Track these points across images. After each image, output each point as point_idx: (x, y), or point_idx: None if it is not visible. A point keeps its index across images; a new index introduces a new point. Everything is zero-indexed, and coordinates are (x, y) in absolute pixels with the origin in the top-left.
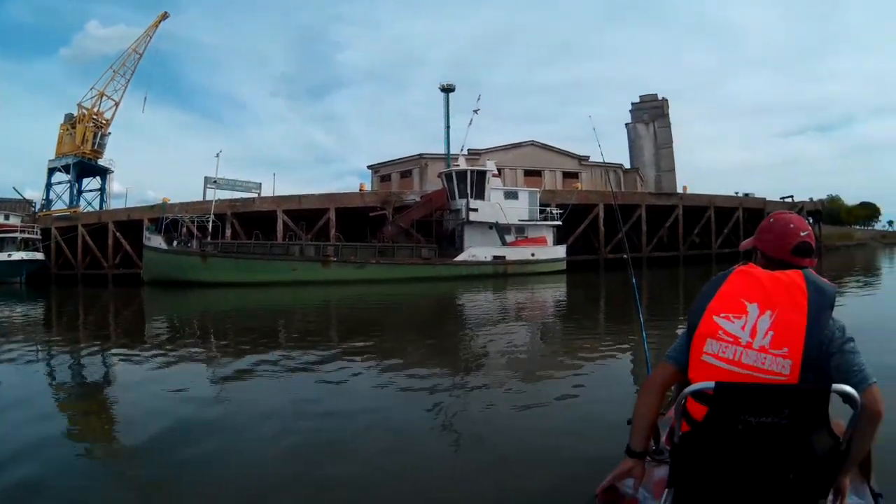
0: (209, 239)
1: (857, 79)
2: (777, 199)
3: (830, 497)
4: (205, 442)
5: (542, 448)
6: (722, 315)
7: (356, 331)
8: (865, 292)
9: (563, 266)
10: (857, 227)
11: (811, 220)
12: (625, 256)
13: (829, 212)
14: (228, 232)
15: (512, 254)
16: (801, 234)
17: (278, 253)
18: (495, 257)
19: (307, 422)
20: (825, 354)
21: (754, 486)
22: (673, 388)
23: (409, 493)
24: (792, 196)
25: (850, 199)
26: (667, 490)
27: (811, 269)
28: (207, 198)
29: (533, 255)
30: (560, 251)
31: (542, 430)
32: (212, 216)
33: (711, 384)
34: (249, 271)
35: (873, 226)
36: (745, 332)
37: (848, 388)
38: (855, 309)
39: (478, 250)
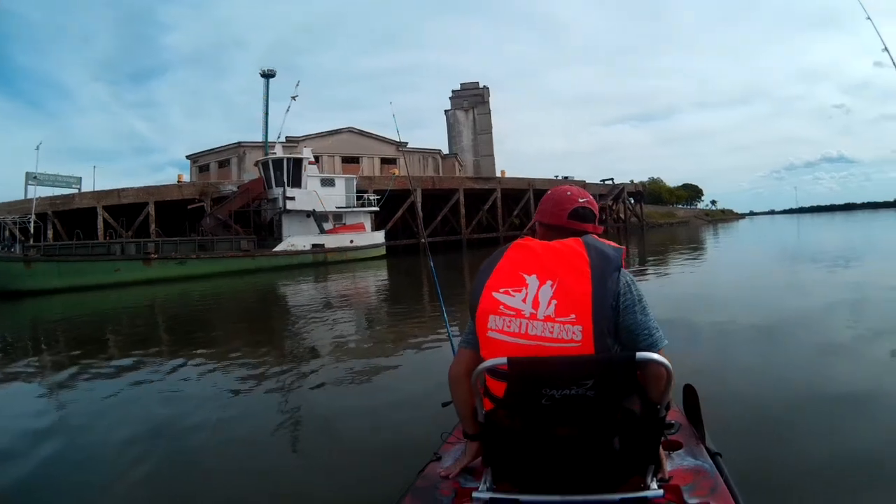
0: (31, 242)
1: (682, 76)
2: (597, 181)
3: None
4: (46, 468)
5: (375, 436)
6: (501, 290)
7: (185, 332)
8: (687, 263)
9: (383, 251)
10: (680, 206)
11: (633, 201)
12: (423, 240)
13: (651, 192)
14: (50, 233)
15: (331, 241)
16: (580, 200)
17: (100, 253)
18: (314, 246)
19: (150, 433)
20: (616, 313)
21: (572, 458)
22: None
23: (258, 496)
24: (612, 178)
25: (673, 181)
26: (485, 470)
27: (594, 236)
28: (28, 195)
29: (352, 241)
30: (379, 237)
31: (376, 418)
32: (33, 216)
33: (503, 360)
34: (74, 275)
35: (696, 205)
36: (527, 304)
37: (656, 357)
38: (678, 279)
39: (296, 239)
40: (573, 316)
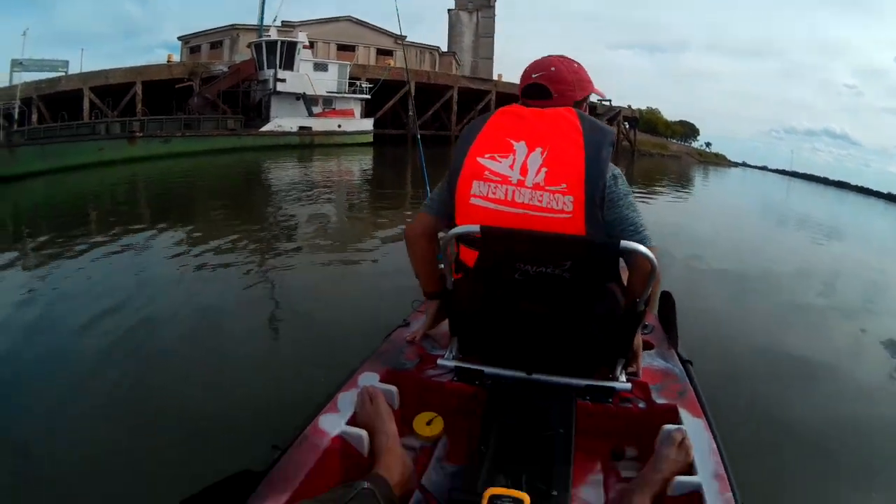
0: (16, 127)
1: (696, 16)
2: (594, 99)
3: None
4: (12, 354)
5: (350, 310)
6: (486, 156)
7: (166, 210)
8: (674, 195)
9: (370, 139)
10: (674, 141)
11: (628, 126)
12: (415, 128)
13: (646, 121)
14: (35, 117)
15: (318, 125)
16: (533, 75)
17: (85, 133)
18: (301, 128)
19: (124, 313)
20: (604, 198)
21: (540, 338)
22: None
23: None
24: (610, 100)
25: (671, 116)
26: (452, 339)
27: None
28: (14, 82)
29: (339, 126)
30: (367, 124)
31: (354, 294)
32: (18, 102)
33: (476, 228)
34: (58, 157)
35: (690, 143)
36: (515, 171)
37: (641, 248)
38: (664, 208)
39: (284, 121)
40: (564, 185)
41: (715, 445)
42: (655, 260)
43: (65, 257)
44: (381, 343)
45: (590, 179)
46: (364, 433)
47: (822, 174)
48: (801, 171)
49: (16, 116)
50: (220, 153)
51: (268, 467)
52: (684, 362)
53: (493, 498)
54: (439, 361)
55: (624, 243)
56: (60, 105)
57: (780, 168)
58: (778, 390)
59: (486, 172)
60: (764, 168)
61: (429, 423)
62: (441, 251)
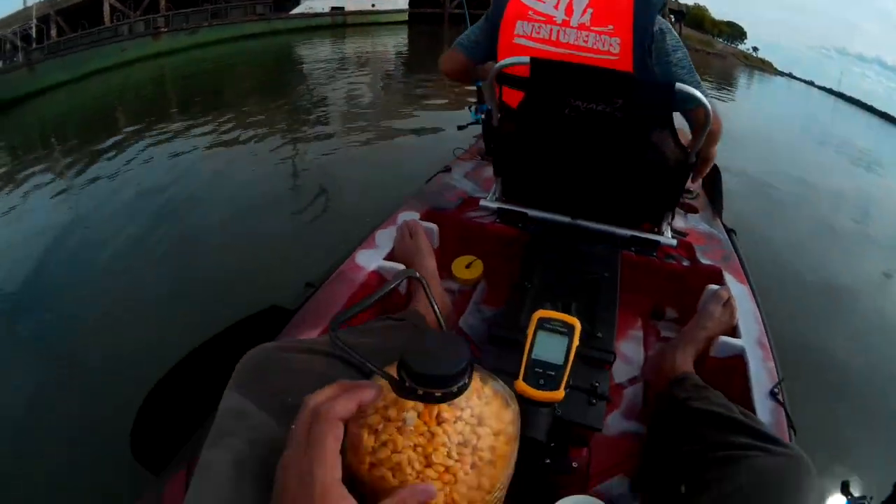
0: (34, 45)
1: None
2: None
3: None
4: (52, 250)
5: (393, 172)
6: None
7: (194, 100)
8: (721, 93)
9: (405, 17)
10: (720, 40)
11: (674, 19)
12: (448, 6)
13: (693, 17)
14: (54, 32)
15: (351, 4)
16: None
17: (107, 37)
18: (333, 8)
19: (161, 206)
20: (654, 48)
21: (585, 182)
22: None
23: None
24: None
25: (718, 16)
26: (496, 180)
27: None
28: (28, 4)
29: (373, 5)
30: (402, 2)
31: (393, 159)
32: (34, 21)
33: (526, 59)
34: (78, 65)
35: (737, 46)
36: (560, 11)
37: (697, 93)
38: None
39: (315, 3)
40: (611, 27)
41: (759, 314)
42: (710, 107)
43: (93, 156)
44: (424, 185)
45: (638, 21)
46: (402, 268)
47: (868, 101)
48: (847, 94)
49: (34, 35)
50: (250, 39)
51: (301, 303)
52: (728, 231)
53: (542, 321)
54: (482, 203)
55: (679, 86)
56: (79, 16)
57: (828, 87)
58: (814, 291)
59: (530, 12)
60: (811, 83)
61: (468, 267)
62: (487, 88)
